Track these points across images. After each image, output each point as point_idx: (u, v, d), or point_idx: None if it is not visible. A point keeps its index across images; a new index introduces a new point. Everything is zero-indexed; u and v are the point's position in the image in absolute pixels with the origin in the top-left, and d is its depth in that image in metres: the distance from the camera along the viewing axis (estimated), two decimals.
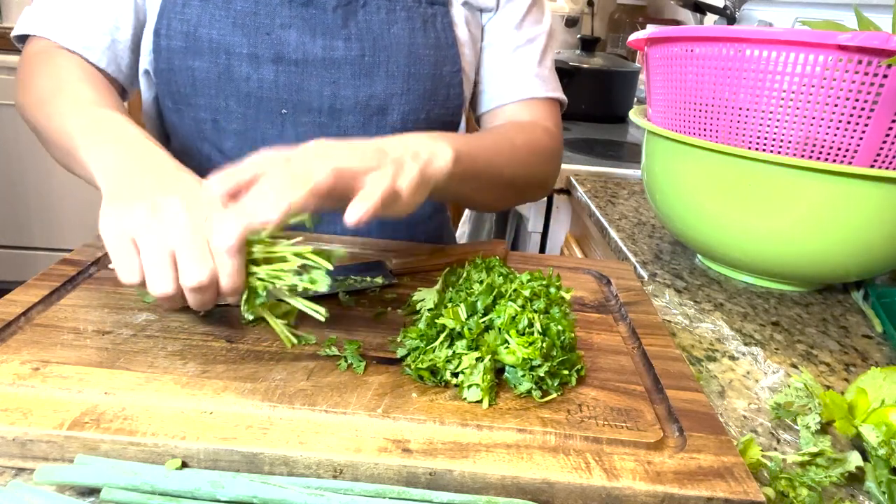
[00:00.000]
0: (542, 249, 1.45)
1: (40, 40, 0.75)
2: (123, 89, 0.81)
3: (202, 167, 0.82)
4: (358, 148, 0.53)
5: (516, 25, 0.87)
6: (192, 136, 0.81)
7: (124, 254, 0.48)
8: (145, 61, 0.79)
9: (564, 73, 1.90)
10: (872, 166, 0.69)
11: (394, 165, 0.53)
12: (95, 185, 0.55)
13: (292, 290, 0.49)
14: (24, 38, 0.78)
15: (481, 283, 0.56)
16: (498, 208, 1.00)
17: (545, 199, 1.40)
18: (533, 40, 0.88)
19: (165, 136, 0.90)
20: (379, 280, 0.66)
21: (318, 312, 0.49)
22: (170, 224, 0.48)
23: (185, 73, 0.76)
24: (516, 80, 0.88)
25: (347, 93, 0.77)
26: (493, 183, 0.74)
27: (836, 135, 0.69)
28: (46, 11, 0.76)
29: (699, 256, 0.92)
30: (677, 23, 2.47)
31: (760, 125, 0.72)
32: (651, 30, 0.93)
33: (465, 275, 0.59)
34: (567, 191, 1.38)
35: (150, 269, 0.47)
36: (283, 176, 0.48)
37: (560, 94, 0.89)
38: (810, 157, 0.70)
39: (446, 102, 0.83)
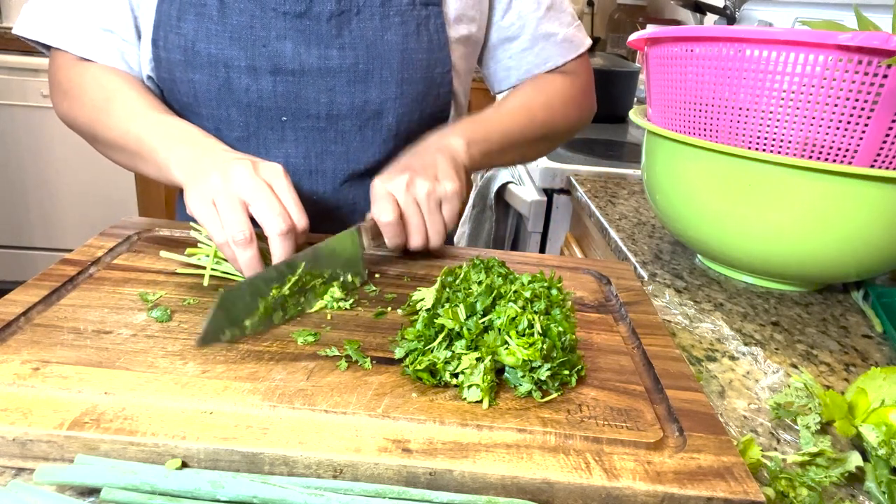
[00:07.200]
0: (542, 249, 1.45)
1: (64, 53, 0.80)
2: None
3: None
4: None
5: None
6: None
7: (209, 216, 0.59)
8: (147, 68, 0.81)
9: None
10: (872, 166, 0.69)
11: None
12: (165, 179, 0.69)
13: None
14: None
15: (480, 283, 0.56)
16: (536, 158, 1.12)
17: (545, 199, 1.40)
18: (555, 8, 0.91)
19: None
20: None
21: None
22: (237, 182, 0.60)
23: (187, 84, 0.78)
24: (542, 55, 0.92)
25: (343, 99, 0.80)
26: (518, 146, 0.87)
27: (836, 135, 0.69)
28: (54, 16, 0.79)
29: (699, 256, 0.92)
30: (677, 23, 2.47)
31: (760, 125, 0.72)
32: (651, 30, 0.93)
33: (462, 275, 0.59)
34: (567, 191, 1.38)
35: (226, 217, 0.58)
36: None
37: (582, 48, 0.94)
38: (810, 157, 0.70)
39: (437, 101, 0.86)
